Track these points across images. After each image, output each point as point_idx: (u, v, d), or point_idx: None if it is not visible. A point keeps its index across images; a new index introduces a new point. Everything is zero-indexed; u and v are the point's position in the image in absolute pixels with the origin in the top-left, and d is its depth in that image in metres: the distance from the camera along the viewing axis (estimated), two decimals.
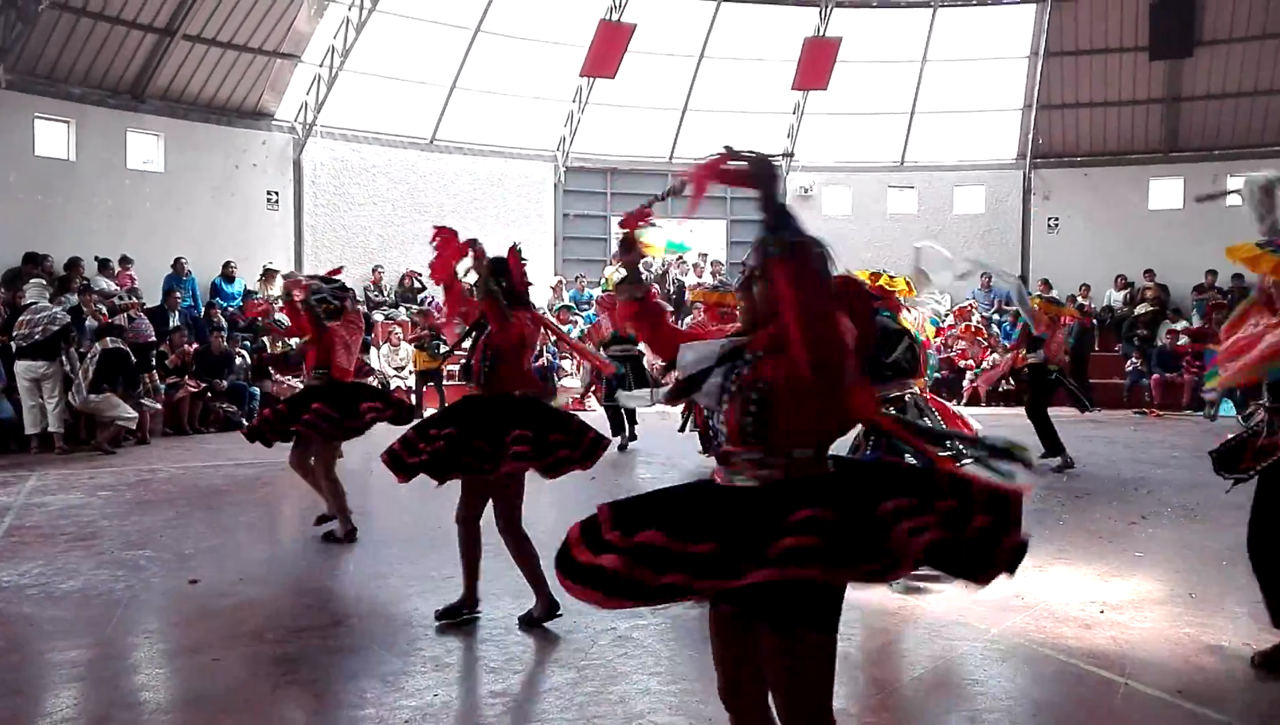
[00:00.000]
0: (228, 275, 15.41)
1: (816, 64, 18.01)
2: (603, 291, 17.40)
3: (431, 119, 18.18)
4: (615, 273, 17.76)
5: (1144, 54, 17.72)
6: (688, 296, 17.93)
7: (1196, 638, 4.48)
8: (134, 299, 13.27)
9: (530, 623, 4.58)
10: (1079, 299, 17.48)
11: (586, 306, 17.06)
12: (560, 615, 4.54)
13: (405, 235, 17.58)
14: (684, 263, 19.18)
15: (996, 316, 17.50)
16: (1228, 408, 14.66)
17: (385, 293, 17.39)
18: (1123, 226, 18.49)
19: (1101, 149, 19.01)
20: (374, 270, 17.24)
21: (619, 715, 3.63)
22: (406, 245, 17.52)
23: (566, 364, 16.28)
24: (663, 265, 18.62)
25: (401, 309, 17.05)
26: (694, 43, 18.83)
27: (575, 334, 14.11)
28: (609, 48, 17.61)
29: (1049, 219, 19.28)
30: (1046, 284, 16.83)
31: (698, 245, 19.92)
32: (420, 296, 17.04)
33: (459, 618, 4.68)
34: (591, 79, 18.30)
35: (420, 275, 17.10)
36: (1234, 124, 17.85)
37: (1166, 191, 18.55)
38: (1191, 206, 18.06)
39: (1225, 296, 16.41)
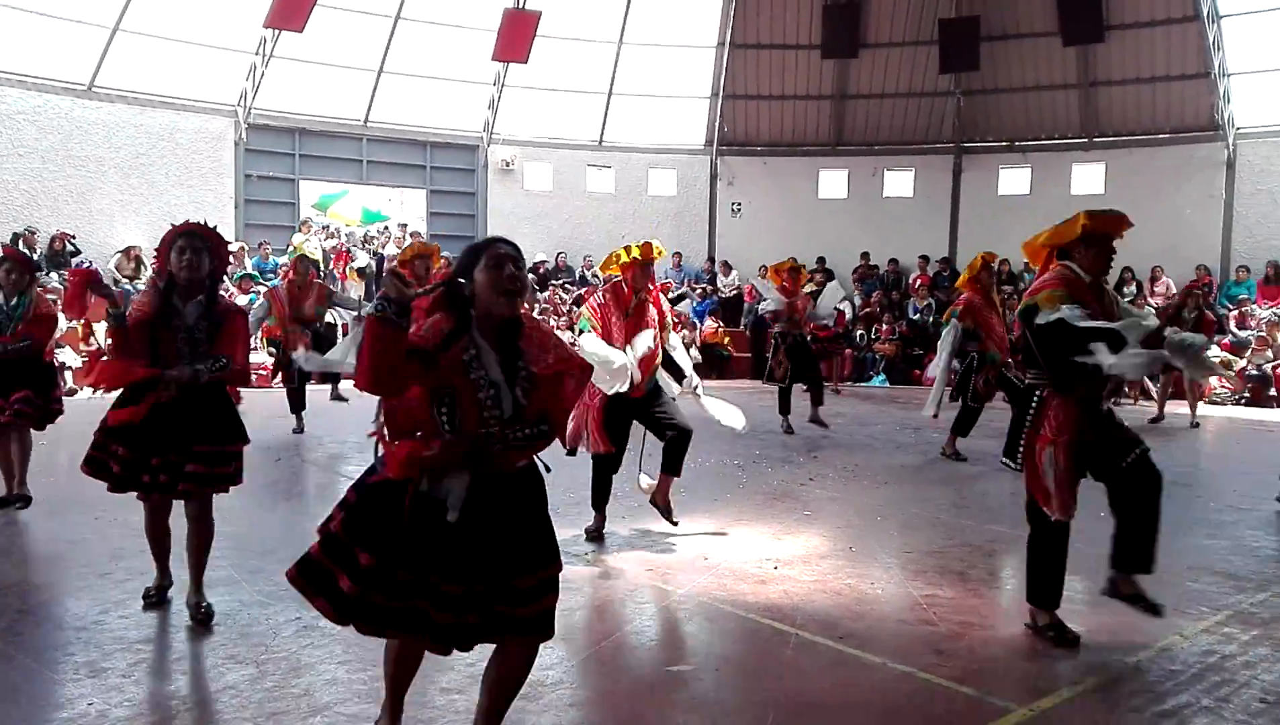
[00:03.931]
0: None
1: (516, 36, 17.93)
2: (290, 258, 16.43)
3: (90, 63, 16.22)
4: (304, 241, 16.82)
5: (817, 52, 19.21)
6: (386, 266, 17.40)
7: (856, 588, 4.92)
8: None
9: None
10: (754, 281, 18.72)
11: (272, 275, 16.00)
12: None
13: (57, 192, 15.63)
14: (386, 232, 18.52)
15: (687, 292, 18.35)
16: (880, 380, 16.35)
17: (35, 257, 15.36)
18: (796, 213, 20.00)
19: (779, 139, 20.43)
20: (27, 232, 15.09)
21: (303, 709, 3.41)
22: (59, 203, 15.58)
23: None
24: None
25: (54, 276, 15.14)
26: (392, 2, 18.09)
27: (259, 303, 13.18)
28: None
29: (733, 204, 20.48)
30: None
31: (397, 215, 19.34)
32: (76, 261, 15.20)
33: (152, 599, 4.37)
34: (277, 31, 17.08)
35: (74, 237, 15.27)
36: (891, 121, 19.81)
37: (833, 182, 20.30)
38: (854, 196, 19.95)
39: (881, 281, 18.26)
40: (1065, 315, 3.87)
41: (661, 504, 5.77)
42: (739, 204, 20.49)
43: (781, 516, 6.46)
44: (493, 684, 2.87)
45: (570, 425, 5.34)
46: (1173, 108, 17.82)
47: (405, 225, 18.70)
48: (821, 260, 19.01)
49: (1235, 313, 15.67)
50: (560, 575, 2.88)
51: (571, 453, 5.56)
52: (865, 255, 19.23)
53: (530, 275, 17.53)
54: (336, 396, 10.68)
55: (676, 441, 5.62)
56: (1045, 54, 18.34)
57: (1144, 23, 17.47)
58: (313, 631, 4.14)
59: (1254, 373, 14.42)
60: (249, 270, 15.87)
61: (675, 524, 5.80)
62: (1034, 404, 4.20)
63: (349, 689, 3.58)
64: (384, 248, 17.97)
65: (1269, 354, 14.56)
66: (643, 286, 5.70)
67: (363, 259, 17.54)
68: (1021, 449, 4.21)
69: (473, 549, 2.68)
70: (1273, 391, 14.19)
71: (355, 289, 16.13)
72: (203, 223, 4.33)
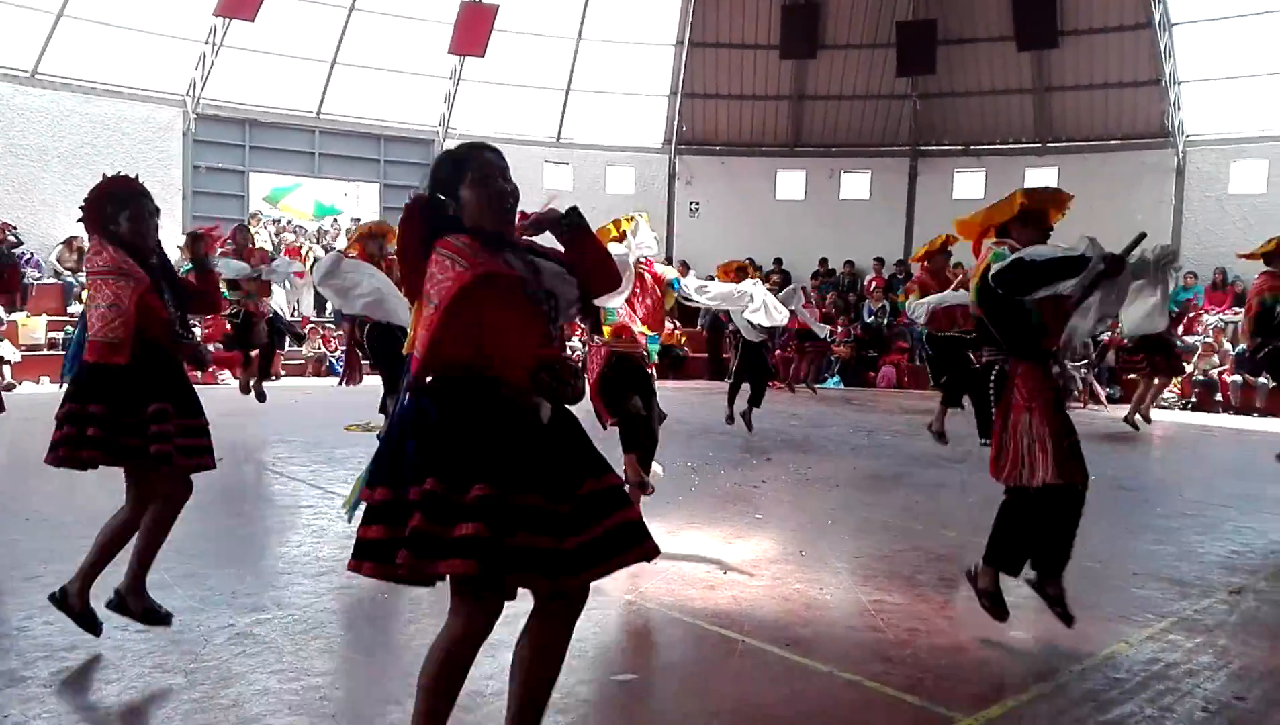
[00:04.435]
0: None
1: (474, 29, 17.74)
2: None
3: (34, 49, 15.79)
4: (254, 235, 16.50)
5: (775, 52, 19.24)
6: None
7: (805, 593, 4.88)
8: None
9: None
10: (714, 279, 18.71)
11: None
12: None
13: None
14: (337, 225, 18.25)
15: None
16: (835, 382, 16.41)
17: None
18: (754, 214, 20.03)
19: (737, 139, 20.44)
20: None
21: (232, 720, 3.28)
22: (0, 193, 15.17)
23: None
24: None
25: None
26: None
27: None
28: None
29: (691, 203, 20.46)
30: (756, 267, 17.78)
31: (351, 209, 19.07)
32: (17, 252, 14.79)
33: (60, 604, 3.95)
34: (227, 19, 16.75)
35: (14, 228, 14.85)
36: (848, 123, 19.89)
37: (791, 183, 20.35)
38: (812, 197, 20.00)
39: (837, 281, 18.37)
40: (1022, 253, 3.82)
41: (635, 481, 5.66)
42: (697, 204, 20.47)
43: (733, 519, 6.41)
44: (529, 664, 2.56)
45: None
46: (1125, 114, 18.09)
47: (359, 219, 18.38)
48: (779, 261, 19.04)
49: (1183, 318, 15.90)
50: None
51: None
52: (824, 261, 19.30)
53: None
54: (259, 392, 10.20)
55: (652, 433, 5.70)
56: (1000, 59, 18.53)
57: (1097, 29, 17.70)
58: (246, 639, 4.01)
59: (1201, 378, 14.66)
60: None
61: (650, 492, 5.73)
62: (992, 378, 4.16)
63: (280, 700, 3.46)
64: (336, 241, 17.69)
65: (1215, 359, 14.80)
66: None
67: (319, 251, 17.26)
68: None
69: (563, 454, 2.47)
70: (1219, 397, 14.44)
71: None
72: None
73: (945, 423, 8.60)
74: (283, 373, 13.31)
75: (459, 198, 2.53)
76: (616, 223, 5.71)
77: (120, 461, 3.85)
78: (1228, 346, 14.96)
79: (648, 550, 2.50)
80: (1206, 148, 17.58)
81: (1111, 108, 18.18)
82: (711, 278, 18.05)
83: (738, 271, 10.67)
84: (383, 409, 7.91)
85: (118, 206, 3.91)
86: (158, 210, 4.04)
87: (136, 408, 3.79)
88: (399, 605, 4.44)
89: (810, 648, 4.09)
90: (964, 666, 4.02)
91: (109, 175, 4.02)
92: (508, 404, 2.41)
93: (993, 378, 4.17)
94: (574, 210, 2.68)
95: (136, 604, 3.96)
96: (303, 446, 8.79)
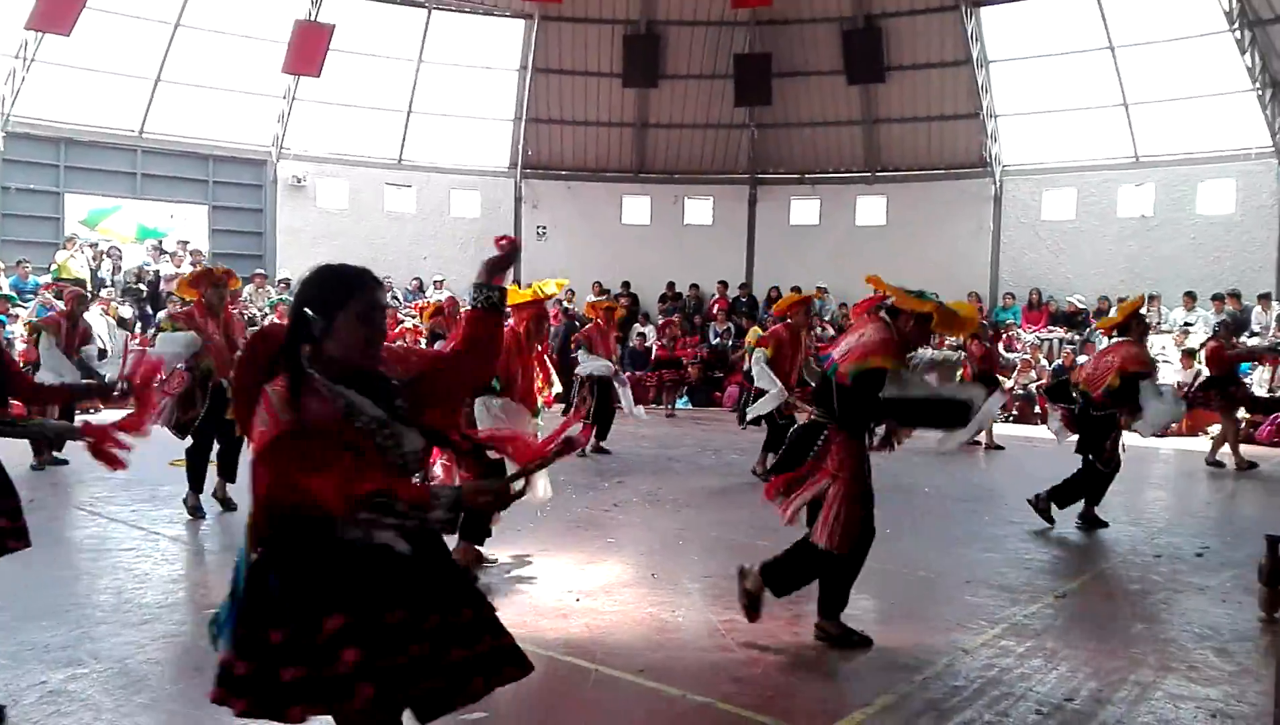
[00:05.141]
0: None
1: (308, 48, 17.21)
2: (54, 278, 15.06)
3: None
4: (69, 259, 15.46)
5: (619, 80, 19.47)
6: (163, 287, 16.21)
7: (657, 616, 4.87)
8: None
9: None
10: (564, 303, 18.73)
11: (31, 295, 14.61)
12: None
13: None
14: (160, 251, 17.29)
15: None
16: (684, 402, 16.63)
17: None
18: (601, 238, 20.15)
19: (583, 165, 20.55)
20: None
21: None
22: None
23: None
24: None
25: None
26: (173, 7, 16.96)
27: (14, 330, 11.97)
28: None
29: (538, 227, 20.41)
30: None
31: (177, 232, 18.11)
32: None
33: None
34: (40, 34, 15.68)
35: None
36: (690, 151, 20.32)
37: (637, 208, 20.60)
38: (657, 222, 20.31)
39: (682, 305, 18.67)
40: (903, 393, 4.16)
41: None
42: (544, 227, 20.44)
43: (585, 545, 6.36)
44: None
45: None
46: (947, 145, 19.15)
47: (186, 242, 17.52)
48: (626, 284, 19.22)
49: (1003, 337, 16.92)
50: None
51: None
52: (672, 283, 19.59)
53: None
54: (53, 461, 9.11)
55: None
56: (832, 92, 19.32)
57: (921, 65, 18.70)
58: (60, 697, 3.69)
59: (1020, 392, 15.59)
60: (5, 291, 14.43)
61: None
62: (820, 439, 4.40)
63: None
64: (158, 263, 16.80)
65: (1033, 375, 15.78)
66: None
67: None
68: (790, 481, 4.45)
69: (426, 578, 2.33)
70: (1038, 409, 15.38)
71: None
72: None
73: (767, 463, 8.95)
74: (100, 408, 12.42)
75: (332, 320, 2.30)
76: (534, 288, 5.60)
77: None
78: (1044, 362, 15.98)
79: (524, 670, 2.47)
80: (1021, 177, 18.81)
81: (934, 139, 19.24)
82: (560, 302, 18.16)
83: (606, 312, 10.96)
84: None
85: None
86: None
87: None
88: None
89: (663, 672, 4.08)
90: (812, 682, 4.09)
91: None
92: (350, 540, 2.27)
93: (820, 439, 4.40)
94: (499, 289, 2.56)
95: None
96: (122, 484, 8.20)
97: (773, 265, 19.72)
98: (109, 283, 16.01)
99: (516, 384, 5.68)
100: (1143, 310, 7.75)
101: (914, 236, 18.84)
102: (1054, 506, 7.14)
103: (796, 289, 18.89)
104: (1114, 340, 7.55)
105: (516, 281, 19.32)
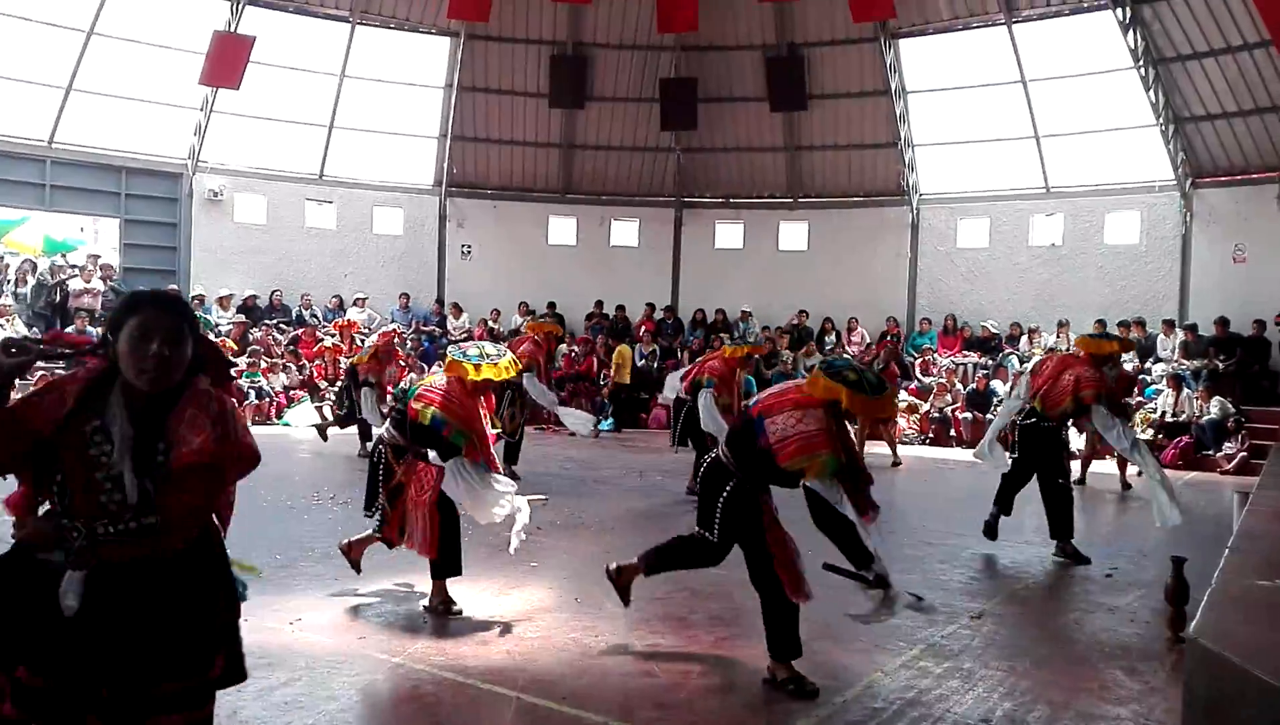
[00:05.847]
0: None
1: (227, 60, 16.80)
2: None
3: None
4: None
5: (545, 100, 19.47)
6: (71, 303, 15.65)
7: (580, 642, 4.83)
8: None
9: None
10: (489, 322, 18.60)
11: None
12: None
13: None
14: (70, 266, 16.67)
15: (412, 335, 17.83)
16: (607, 424, 16.61)
17: None
18: (527, 258, 20.05)
19: (509, 184, 20.46)
20: None
21: None
22: None
23: None
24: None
25: None
26: (85, 14, 16.45)
27: None
28: None
29: (463, 246, 20.22)
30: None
31: (88, 246, 17.51)
32: None
33: None
34: None
35: None
36: (617, 173, 20.39)
37: (563, 228, 20.56)
38: (583, 243, 20.30)
39: (608, 323, 18.71)
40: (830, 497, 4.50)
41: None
42: (469, 246, 20.26)
43: (507, 569, 6.27)
44: None
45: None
46: (866, 173, 19.56)
47: (97, 256, 16.95)
48: (552, 305, 19.14)
49: (920, 361, 17.29)
50: (215, 687, 2.41)
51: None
52: (600, 303, 19.58)
53: (235, 324, 16.30)
54: None
55: None
56: (756, 118, 19.59)
57: (842, 94, 19.09)
58: None
59: (936, 416, 15.93)
60: None
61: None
62: (711, 476, 4.61)
63: None
64: (67, 278, 16.19)
65: (949, 398, 16.14)
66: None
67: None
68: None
69: (98, 645, 2.24)
70: (953, 432, 15.73)
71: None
72: None
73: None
74: None
75: (117, 339, 2.31)
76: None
77: None
78: (959, 386, 16.37)
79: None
80: (937, 206, 19.28)
81: (855, 167, 19.62)
82: (485, 321, 17.99)
83: (547, 336, 10.81)
84: None
85: None
86: None
87: None
88: None
89: (585, 699, 4.04)
90: (734, 707, 4.09)
91: None
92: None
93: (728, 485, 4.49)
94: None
95: None
96: None
97: (698, 288, 19.87)
98: (10, 296, 15.39)
99: (484, 442, 5.51)
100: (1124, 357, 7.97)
101: (835, 262, 19.17)
102: (1061, 541, 7.10)
103: (721, 312, 19.23)
104: (1066, 352, 7.76)
105: (440, 300, 19.28)
